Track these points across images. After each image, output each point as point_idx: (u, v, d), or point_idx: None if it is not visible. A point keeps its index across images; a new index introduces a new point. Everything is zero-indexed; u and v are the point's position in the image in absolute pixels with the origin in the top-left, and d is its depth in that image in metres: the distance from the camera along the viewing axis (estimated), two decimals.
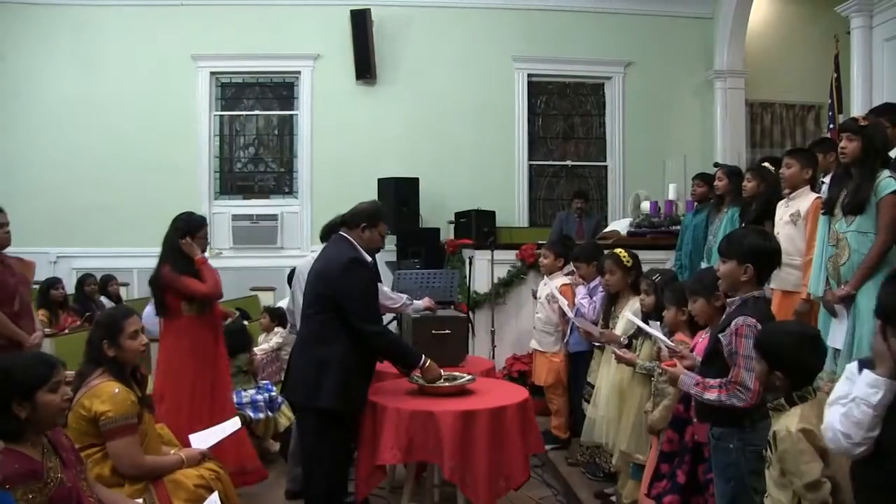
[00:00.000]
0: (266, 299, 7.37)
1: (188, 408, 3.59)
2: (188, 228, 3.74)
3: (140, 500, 2.56)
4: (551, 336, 4.65)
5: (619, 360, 3.31)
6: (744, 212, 4.32)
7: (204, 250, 3.82)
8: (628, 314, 3.51)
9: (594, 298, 4.24)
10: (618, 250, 3.88)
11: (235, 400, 4.25)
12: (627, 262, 3.79)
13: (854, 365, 1.77)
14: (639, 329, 3.21)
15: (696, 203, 5.31)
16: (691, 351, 2.74)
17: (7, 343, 3.55)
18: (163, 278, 3.69)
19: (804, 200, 3.71)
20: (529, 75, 8.73)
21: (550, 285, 4.61)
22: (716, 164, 5.50)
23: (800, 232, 3.67)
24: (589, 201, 7.85)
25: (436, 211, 8.11)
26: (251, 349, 4.93)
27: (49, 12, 8.16)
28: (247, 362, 4.75)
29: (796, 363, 2.02)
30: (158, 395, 3.61)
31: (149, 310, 5.64)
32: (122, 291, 7.49)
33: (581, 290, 4.40)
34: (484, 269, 5.78)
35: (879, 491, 1.73)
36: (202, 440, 3.03)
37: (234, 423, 3.14)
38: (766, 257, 2.40)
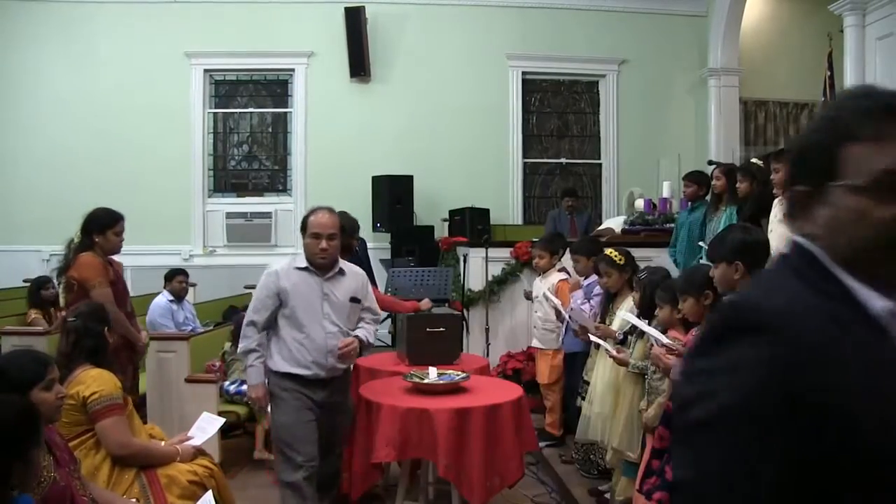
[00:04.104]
0: None
1: None
2: None
3: (134, 501, 2.56)
4: (552, 333, 4.62)
5: (614, 360, 3.31)
6: (738, 212, 4.32)
7: None
8: (623, 313, 3.51)
9: (591, 302, 4.22)
10: (608, 251, 3.86)
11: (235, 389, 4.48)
12: (620, 260, 3.79)
13: None
14: (634, 326, 3.22)
15: (689, 202, 5.31)
16: (684, 347, 2.75)
17: (123, 342, 3.60)
18: None
19: None
20: (524, 73, 8.73)
21: (544, 284, 4.61)
22: (710, 162, 5.50)
23: None
24: (579, 198, 7.85)
25: (430, 208, 8.10)
26: None
27: (39, 8, 8.11)
28: None
29: None
30: None
31: (158, 301, 5.73)
32: None
33: (578, 295, 4.35)
34: (478, 266, 5.77)
35: None
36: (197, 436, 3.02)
37: (216, 420, 3.14)
38: (751, 250, 2.39)
